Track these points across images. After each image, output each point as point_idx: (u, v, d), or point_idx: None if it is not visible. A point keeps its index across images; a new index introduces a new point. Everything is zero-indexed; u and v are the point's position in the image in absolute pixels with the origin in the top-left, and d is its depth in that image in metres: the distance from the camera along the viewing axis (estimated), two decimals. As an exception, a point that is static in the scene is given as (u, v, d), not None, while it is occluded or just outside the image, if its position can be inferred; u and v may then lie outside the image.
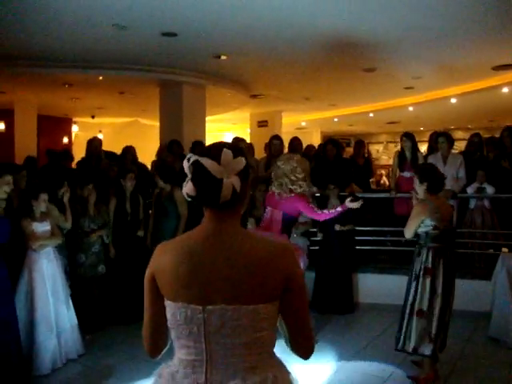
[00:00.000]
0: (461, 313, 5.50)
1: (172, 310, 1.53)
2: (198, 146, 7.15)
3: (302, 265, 4.34)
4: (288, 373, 1.62)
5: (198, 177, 1.50)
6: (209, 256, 1.50)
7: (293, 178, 4.44)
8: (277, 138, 7.08)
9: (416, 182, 4.04)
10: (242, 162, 1.53)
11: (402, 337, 3.97)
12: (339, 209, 4.42)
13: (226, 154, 1.50)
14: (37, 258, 4.27)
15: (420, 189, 4.01)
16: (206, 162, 1.48)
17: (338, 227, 5.87)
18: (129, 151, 7.18)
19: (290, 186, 4.44)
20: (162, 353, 1.70)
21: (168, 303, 1.54)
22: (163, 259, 1.56)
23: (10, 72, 7.87)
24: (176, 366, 1.57)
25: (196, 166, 1.50)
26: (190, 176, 1.52)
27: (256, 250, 1.52)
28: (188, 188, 1.52)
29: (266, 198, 4.74)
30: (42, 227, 4.36)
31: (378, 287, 6.16)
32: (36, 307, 4.15)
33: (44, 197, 4.40)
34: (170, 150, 7.43)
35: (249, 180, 1.60)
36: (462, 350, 4.64)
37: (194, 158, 1.52)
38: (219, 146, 1.53)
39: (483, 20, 5.90)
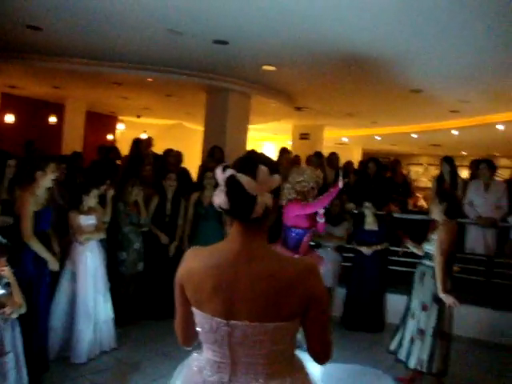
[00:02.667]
0: (494, 345, 5.41)
1: (198, 318, 1.62)
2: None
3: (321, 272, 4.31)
4: (307, 376, 1.69)
5: (233, 191, 1.51)
6: (234, 273, 1.54)
7: (288, 185, 4.47)
8: (316, 155, 7.16)
9: (435, 202, 4.12)
10: (277, 180, 1.56)
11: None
12: (332, 189, 4.40)
13: (263, 171, 1.51)
14: (81, 250, 4.42)
15: (437, 209, 4.07)
16: (243, 178, 1.49)
17: (366, 250, 5.85)
18: (170, 154, 7.28)
19: (287, 196, 4.47)
20: (193, 344, 1.79)
21: (195, 310, 1.63)
22: (192, 266, 1.62)
23: (65, 68, 8.16)
24: (204, 363, 1.66)
25: (232, 180, 1.51)
26: (224, 188, 1.53)
27: (281, 270, 1.54)
28: (221, 200, 1.53)
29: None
30: (88, 221, 4.50)
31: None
32: (78, 297, 4.30)
33: (96, 192, 4.58)
34: (212, 155, 7.54)
35: (280, 196, 1.64)
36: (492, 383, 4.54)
37: (230, 171, 1.52)
38: (255, 162, 1.54)
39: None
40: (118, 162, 7.84)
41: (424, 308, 4.06)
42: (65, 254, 4.39)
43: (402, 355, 4.18)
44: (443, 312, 3.97)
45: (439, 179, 6.76)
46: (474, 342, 5.55)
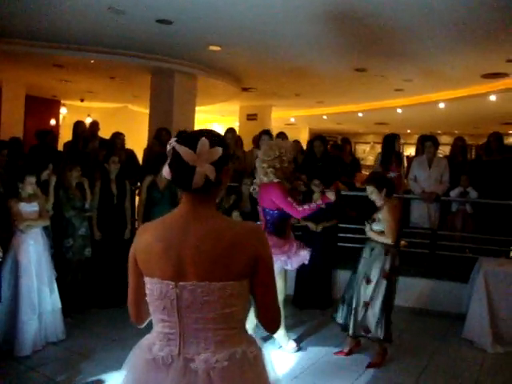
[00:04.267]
0: (438, 313, 5.66)
1: (149, 286, 1.64)
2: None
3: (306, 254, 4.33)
4: (258, 349, 1.71)
5: (173, 162, 1.60)
6: (181, 235, 1.59)
7: (264, 165, 4.21)
8: (266, 132, 7.09)
9: (372, 189, 4.25)
10: (218, 152, 1.60)
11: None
12: (320, 202, 4.27)
13: (203, 143, 1.57)
14: (23, 239, 4.27)
15: (379, 195, 4.24)
16: (182, 149, 1.57)
17: (313, 227, 5.91)
18: (118, 137, 7.13)
19: (262, 176, 4.24)
20: (146, 322, 1.79)
21: (146, 279, 1.65)
22: (143, 238, 1.67)
23: (1, 49, 7.76)
24: (153, 338, 1.67)
25: (173, 151, 1.60)
26: (168, 160, 1.63)
27: (225, 230, 1.61)
28: (165, 171, 1.63)
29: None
30: (29, 208, 4.34)
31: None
32: (20, 288, 4.15)
33: (30, 179, 4.37)
34: (159, 137, 7.41)
35: (225, 169, 1.65)
36: (436, 349, 4.74)
37: (173, 143, 1.61)
38: (198, 135, 1.61)
39: (474, 28, 6.00)
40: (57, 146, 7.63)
41: (367, 281, 4.21)
42: (7, 244, 4.21)
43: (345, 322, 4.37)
44: (391, 286, 4.18)
45: (383, 156, 6.93)
46: (420, 312, 5.79)
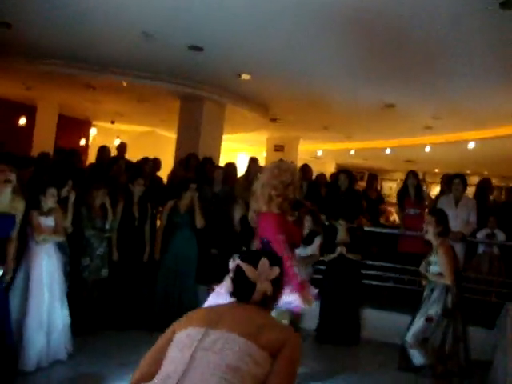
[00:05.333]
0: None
1: (179, 335, 1.70)
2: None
3: (311, 294, 3.63)
4: None
5: (236, 278, 1.83)
6: (228, 308, 1.81)
7: (272, 192, 3.56)
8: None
9: (432, 222, 4.37)
10: (276, 271, 1.84)
11: None
12: (299, 279, 3.48)
13: (264, 262, 1.82)
14: (37, 251, 4.25)
15: (434, 230, 4.36)
16: (245, 266, 1.80)
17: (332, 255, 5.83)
18: (147, 163, 7.18)
19: (261, 204, 3.61)
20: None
21: (179, 333, 1.71)
22: (191, 314, 1.83)
23: (37, 69, 8.00)
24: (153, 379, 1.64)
25: (237, 268, 1.83)
26: (231, 275, 1.85)
27: (265, 318, 1.80)
28: (227, 284, 1.86)
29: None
30: (47, 222, 4.35)
31: (377, 323, 6.02)
32: (30, 301, 4.11)
33: (52, 192, 4.40)
34: (187, 162, 7.42)
35: (281, 286, 1.89)
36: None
37: (237, 261, 1.84)
38: (259, 254, 1.89)
39: (506, 66, 5.91)
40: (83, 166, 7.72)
41: (428, 320, 4.28)
42: (19, 257, 4.20)
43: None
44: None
45: (402, 192, 6.83)
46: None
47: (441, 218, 4.44)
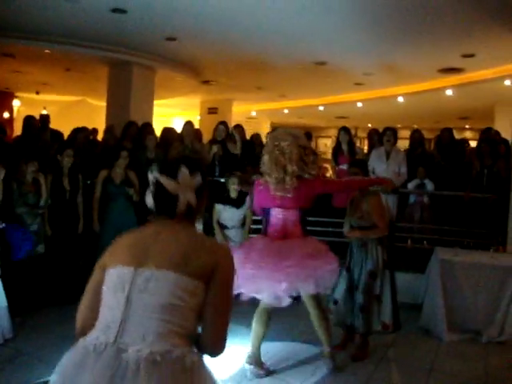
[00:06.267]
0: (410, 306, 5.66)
1: (108, 277, 1.65)
2: (149, 127, 7.14)
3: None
4: (201, 361, 1.62)
5: (157, 193, 1.72)
6: (150, 238, 1.68)
7: (306, 158, 3.51)
8: (222, 123, 7.13)
9: (358, 173, 4.20)
10: (198, 178, 1.73)
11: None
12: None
13: (183, 172, 1.70)
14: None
15: None
16: (165, 180, 1.69)
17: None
18: (82, 131, 6.94)
19: (301, 173, 3.52)
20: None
21: (107, 272, 1.66)
22: (115, 246, 1.74)
23: None
24: (93, 330, 1.61)
25: (156, 183, 1.71)
26: (152, 190, 1.73)
27: (193, 237, 1.72)
28: (149, 200, 1.74)
29: (258, 196, 3.84)
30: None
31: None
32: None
33: None
34: (126, 130, 7.20)
35: (204, 193, 1.77)
36: (392, 338, 4.76)
37: (155, 174, 1.72)
38: (177, 162, 1.73)
39: (432, 24, 6.07)
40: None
41: (371, 275, 4.14)
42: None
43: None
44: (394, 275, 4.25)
45: (336, 148, 6.97)
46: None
47: (364, 168, 4.34)
